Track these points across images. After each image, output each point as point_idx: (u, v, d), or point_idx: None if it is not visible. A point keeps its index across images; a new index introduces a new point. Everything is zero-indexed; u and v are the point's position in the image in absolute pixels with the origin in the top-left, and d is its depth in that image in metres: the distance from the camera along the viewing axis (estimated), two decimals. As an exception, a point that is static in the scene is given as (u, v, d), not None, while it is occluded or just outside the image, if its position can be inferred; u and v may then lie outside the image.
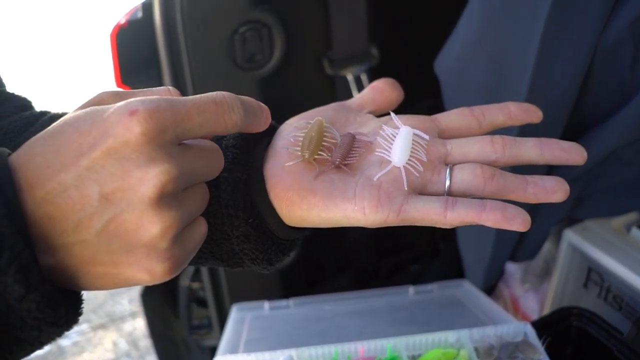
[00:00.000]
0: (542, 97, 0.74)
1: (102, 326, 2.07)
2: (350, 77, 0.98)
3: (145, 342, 1.98)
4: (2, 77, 0.49)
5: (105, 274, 0.33)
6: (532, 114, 0.46)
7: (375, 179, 0.41)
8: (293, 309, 0.86)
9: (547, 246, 0.95)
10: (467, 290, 0.88)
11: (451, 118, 0.46)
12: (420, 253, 1.32)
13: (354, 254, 1.22)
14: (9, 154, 0.33)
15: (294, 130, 0.45)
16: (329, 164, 0.42)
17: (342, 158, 0.42)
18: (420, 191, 0.42)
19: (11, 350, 0.33)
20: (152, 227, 0.32)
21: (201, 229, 0.37)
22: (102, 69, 1.45)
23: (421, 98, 0.89)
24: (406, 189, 0.41)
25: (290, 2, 0.92)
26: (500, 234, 0.89)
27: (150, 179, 0.31)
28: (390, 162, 0.41)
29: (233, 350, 0.73)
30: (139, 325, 2.05)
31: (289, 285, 1.11)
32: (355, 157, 0.43)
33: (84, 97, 0.50)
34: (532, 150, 0.42)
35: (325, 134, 0.43)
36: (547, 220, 0.89)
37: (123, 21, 0.91)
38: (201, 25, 0.85)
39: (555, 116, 0.78)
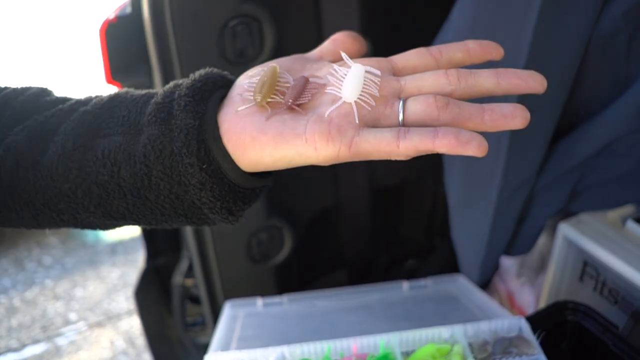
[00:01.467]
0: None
1: (99, 324, 2.07)
2: (342, 72, 0.97)
3: (142, 340, 1.97)
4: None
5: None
6: (492, 50, 0.44)
7: (326, 114, 0.41)
8: (287, 305, 0.86)
9: (542, 240, 0.95)
10: (462, 285, 0.88)
11: (407, 57, 0.45)
12: (416, 248, 1.31)
13: (348, 250, 1.21)
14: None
15: (249, 78, 0.45)
16: (281, 106, 0.42)
17: (294, 99, 0.42)
18: (373, 125, 0.41)
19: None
20: None
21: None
22: (91, 65, 1.44)
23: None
24: (357, 122, 0.40)
25: (280, -5, 0.91)
26: (495, 228, 0.89)
27: None
28: (341, 98, 0.41)
29: (225, 347, 0.72)
30: (136, 323, 2.04)
31: (283, 281, 1.11)
32: (308, 97, 0.43)
33: (74, 93, 0.51)
34: (489, 79, 0.41)
35: (279, 79, 0.43)
36: (542, 213, 0.88)
37: (112, 17, 0.90)
38: (191, 20, 0.84)
39: (549, 107, 0.77)
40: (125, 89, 0.48)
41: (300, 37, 0.94)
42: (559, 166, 0.82)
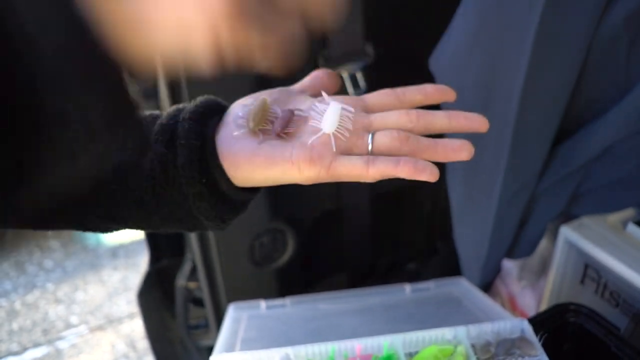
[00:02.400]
0: (537, 93, 0.75)
1: (100, 328, 2.07)
2: (345, 75, 0.98)
3: (144, 344, 1.97)
4: None
5: None
6: (447, 94, 0.53)
7: (309, 142, 0.49)
8: (290, 308, 0.86)
9: (543, 243, 0.95)
10: (464, 287, 0.88)
11: (376, 97, 0.53)
12: (417, 251, 1.32)
13: (350, 252, 1.22)
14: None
15: (242, 107, 0.52)
16: (271, 134, 0.50)
17: (281, 128, 0.49)
18: (348, 152, 0.49)
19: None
20: None
21: None
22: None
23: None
24: (334, 150, 0.48)
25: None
26: (497, 231, 0.89)
27: None
28: (321, 130, 0.49)
29: (230, 348, 0.72)
30: (137, 326, 2.04)
31: (285, 284, 1.11)
32: (293, 127, 0.50)
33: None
34: (442, 120, 0.50)
35: (269, 110, 0.51)
36: (543, 217, 0.89)
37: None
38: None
39: (550, 111, 0.78)
40: None
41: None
42: (560, 169, 0.82)
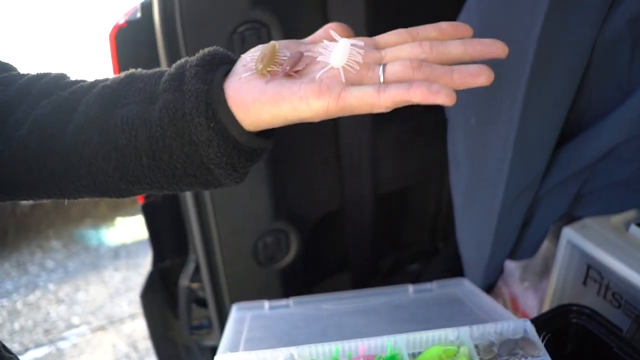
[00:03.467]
0: (541, 95, 0.75)
1: (101, 328, 2.07)
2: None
3: (145, 344, 1.98)
4: None
5: None
6: (463, 30, 0.50)
7: (317, 76, 0.48)
8: (293, 308, 0.86)
9: (546, 244, 0.95)
10: (467, 288, 0.88)
11: (388, 36, 0.52)
12: (420, 252, 1.32)
13: (353, 253, 1.22)
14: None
15: (251, 54, 0.51)
16: (279, 73, 0.49)
17: (290, 67, 0.49)
18: (358, 85, 0.48)
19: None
20: None
21: None
22: (101, 69, 1.45)
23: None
24: (344, 81, 0.47)
25: (288, 1, 0.92)
26: (500, 232, 0.89)
27: None
28: (329, 64, 0.48)
29: (233, 348, 0.73)
30: (138, 327, 2.05)
31: (288, 284, 1.12)
32: (302, 66, 0.50)
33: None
34: (457, 47, 0.48)
35: (278, 53, 0.50)
36: (546, 218, 0.89)
37: (122, 21, 0.91)
38: (200, 25, 0.85)
39: (554, 113, 0.78)
40: (138, 69, 0.54)
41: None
42: (563, 171, 0.83)
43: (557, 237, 0.91)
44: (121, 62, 0.92)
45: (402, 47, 0.49)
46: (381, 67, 0.47)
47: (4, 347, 0.56)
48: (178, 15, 0.84)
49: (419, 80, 0.46)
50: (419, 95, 0.44)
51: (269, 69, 0.49)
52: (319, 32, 0.55)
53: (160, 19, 0.85)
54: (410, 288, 0.89)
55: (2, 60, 0.57)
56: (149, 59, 0.91)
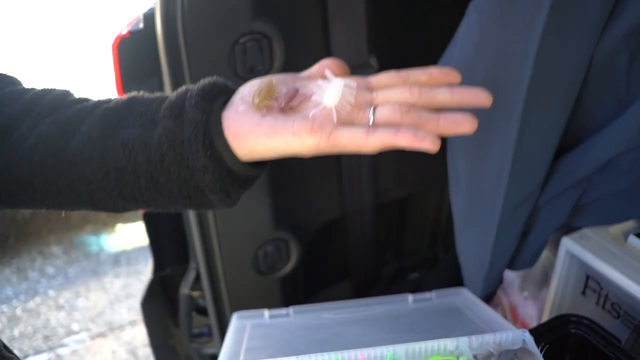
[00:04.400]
0: (539, 106, 0.75)
1: (101, 335, 2.07)
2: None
3: (144, 351, 1.98)
4: None
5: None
6: (451, 76, 0.52)
7: (310, 114, 0.50)
8: (293, 317, 0.87)
9: (545, 254, 0.96)
10: (466, 298, 0.89)
11: (380, 78, 0.54)
12: (420, 261, 1.32)
13: (353, 262, 1.22)
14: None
15: (249, 86, 0.54)
16: (275, 108, 0.51)
17: (286, 102, 0.51)
18: (349, 125, 0.50)
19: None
20: None
21: None
22: (103, 78, 1.46)
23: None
24: (335, 121, 0.49)
25: (290, 13, 0.93)
26: (499, 242, 0.90)
27: None
28: (322, 103, 0.50)
29: (234, 357, 0.73)
30: (138, 334, 2.05)
31: (288, 293, 1.12)
32: (297, 103, 0.52)
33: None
34: (444, 95, 0.50)
35: (274, 88, 0.52)
36: (545, 228, 0.90)
37: (125, 32, 0.92)
38: (202, 36, 0.86)
39: (553, 124, 0.79)
40: (140, 92, 0.57)
41: (308, 54, 0.96)
42: (562, 182, 0.83)
43: (556, 246, 0.92)
44: (123, 72, 0.92)
45: (393, 90, 0.51)
46: (371, 109, 0.50)
47: (5, 346, 0.57)
48: (180, 26, 0.85)
49: (406, 124, 0.48)
50: (405, 140, 0.46)
51: (265, 102, 0.51)
52: (316, 67, 0.57)
53: (162, 30, 0.86)
54: (410, 297, 0.89)
55: (8, 74, 0.59)
56: (151, 69, 0.92)
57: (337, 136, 0.48)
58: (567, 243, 0.87)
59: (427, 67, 0.53)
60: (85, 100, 0.57)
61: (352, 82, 0.52)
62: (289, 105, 0.52)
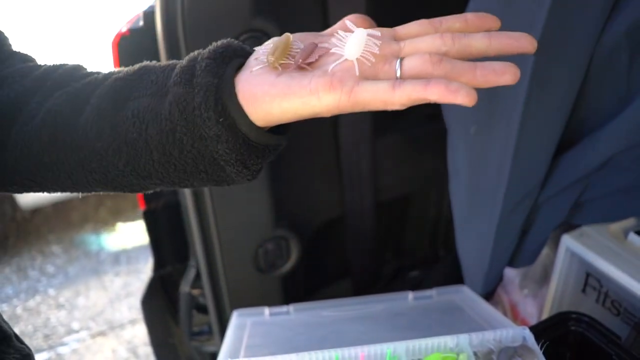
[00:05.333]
0: (540, 103, 0.75)
1: (102, 333, 2.07)
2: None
3: (145, 350, 1.98)
4: (8, 37, 0.57)
5: None
6: (489, 21, 0.47)
7: (329, 69, 0.45)
8: (293, 315, 0.87)
9: (545, 251, 0.96)
10: (466, 295, 0.89)
11: (409, 27, 0.48)
12: (420, 259, 1.32)
13: (353, 260, 1.22)
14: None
15: (265, 46, 0.49)
16: (291, 66, 0.47)
17: (303, 59, 0.46)
18: (373, 79, 0.45)
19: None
20: None
21: None
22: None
23: (421, 107, 0.90)
24: (357, 74, 0.44)
25: (290, 11, 0.93)
26: (499, 240, 0.90)
27: None
28: (343, 56, 0.46)
29: (234, 355, 0.73)
30: (139, 332, 2.05)
31: (289, 291, 1.12)
32: (315, 58, 0.47)
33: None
34: (481, 40, 0.44)
35: (291, 46, 0.48)
36: (545, 226, 0.90)
37: (125, 29, 0.92)
38: (202, 34, 0.86)
39: (553, 121, 0.79)
40: (152, 61, 0.53)
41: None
42: (562, 179, 0.83)
43: (556, 244, 0.92)
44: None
45: (422, 38, 0.46)
46: (398, 60, 0.45)
47: (16, 336, 0.56)
48: (180, 23, 0.84)
49: (438, 76, 0.43)
50: (436, 94, 0.41)
51: (281, 61, 0.47)
52: (338, 24, 0.52)
53: (162, 28, 0.86)
54: (410, 295, 0.89)
55: (21, 52, 0.57)
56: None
57: (359, 92, 0.43)
58: (567, 241, 0.87)
59: (463, 14, 0.47)
60: (97, 73, 0.54)
61: (376, 31, 0.47)
62: (306, 62, 0.47)
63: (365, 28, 0.50)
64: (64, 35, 2.26)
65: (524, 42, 0.44)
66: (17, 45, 0.60)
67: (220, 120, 0.46)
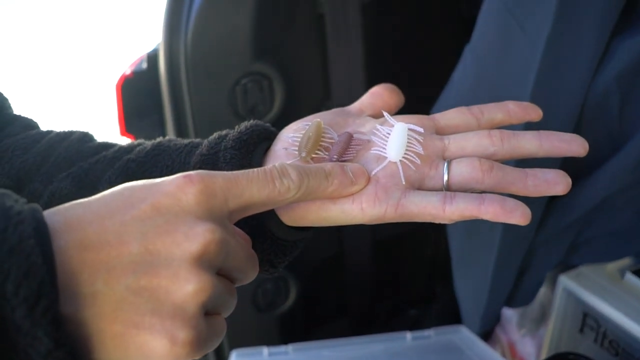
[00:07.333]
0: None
1: None
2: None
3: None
4: (8, 99, 0.52)
5: (121, 335, 0.30)
6: (531, 111, 0.45)
7: (372, 174, 0.41)
8: (292, 355, 0.86)
9: (543, 291, 0.96)
10: (465, 336, 0.89)
11: (449, 116, 0.45)
12: (417, 296, 1.32)
13: (351, 298, 1.22)
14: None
15: (293, 132, 0.45)
16: (326, 162, 0.41)
17: (339, 155, 0.42)
18: (419, 186, 0.41)
19: None
20: (186, 284, 0.31)
21: (224, 325, 0.37)
22: (105, 118, 1.48)
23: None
24: (404, 183, 0.40)
25: (290, 55, 0.95)
26: (496, 280, 0.90)
27: (195, 235, 0.31)
28: (386, 158, 0.41)
29: (233, 397, 0.73)
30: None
31: (287, 330, 1.12)
32: (352, 154, 0.43)
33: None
34: (531, 141, 0.42)
35: (323, 134, 0.43)
36: (542, 267, 0.90)
37: (128, 72, 0.94)
38: (204, 77, 0.88)
39: (548, 163, 0.80)
40: (168, 138, 0.49)
41: (308, 94, 0.98)
42: (558, 222, 0.84)
43: (553, 283, 0.92)
44: (126, 111, 0.94)
45: (468, 136, 0.43)
46: (445, 166, 0.41)
47: None
48: (183, 66, 0.87)
49: (488, 185, 0.40)
50: (491, 213, 0.38)
51: (313, 155, 0.42)
52: (366, 99, 0.49)
53: (165, 70, 0.88)
54: (409, 335, 0.89)
55: (24, 116, 0.53)
56: (154, 107, 0.93)
57: (407, 205, 0.39)
58: (565, 281, 0.88)
59: (504, 102, 0.45)
60: (104, 147, 0.49)
61: (418, 125, 0.43)
62: (342, 158, 0.42)
63: (396, 102, 0.48)
64: (68, 78, 2.29)
65: (574, 146, 0.42)
66: (21, 89, 0.56)
67: (247, 221, 0.41)
